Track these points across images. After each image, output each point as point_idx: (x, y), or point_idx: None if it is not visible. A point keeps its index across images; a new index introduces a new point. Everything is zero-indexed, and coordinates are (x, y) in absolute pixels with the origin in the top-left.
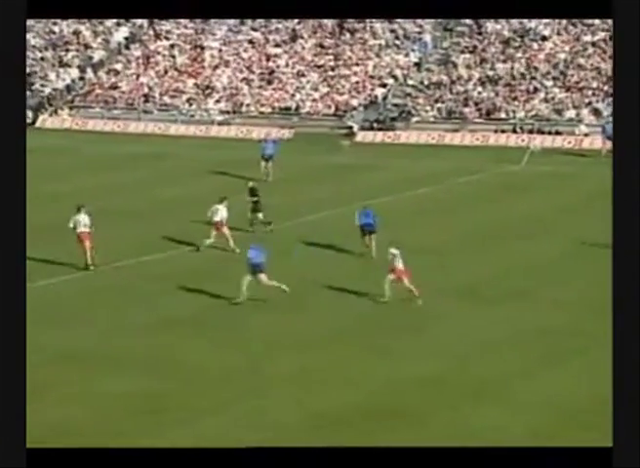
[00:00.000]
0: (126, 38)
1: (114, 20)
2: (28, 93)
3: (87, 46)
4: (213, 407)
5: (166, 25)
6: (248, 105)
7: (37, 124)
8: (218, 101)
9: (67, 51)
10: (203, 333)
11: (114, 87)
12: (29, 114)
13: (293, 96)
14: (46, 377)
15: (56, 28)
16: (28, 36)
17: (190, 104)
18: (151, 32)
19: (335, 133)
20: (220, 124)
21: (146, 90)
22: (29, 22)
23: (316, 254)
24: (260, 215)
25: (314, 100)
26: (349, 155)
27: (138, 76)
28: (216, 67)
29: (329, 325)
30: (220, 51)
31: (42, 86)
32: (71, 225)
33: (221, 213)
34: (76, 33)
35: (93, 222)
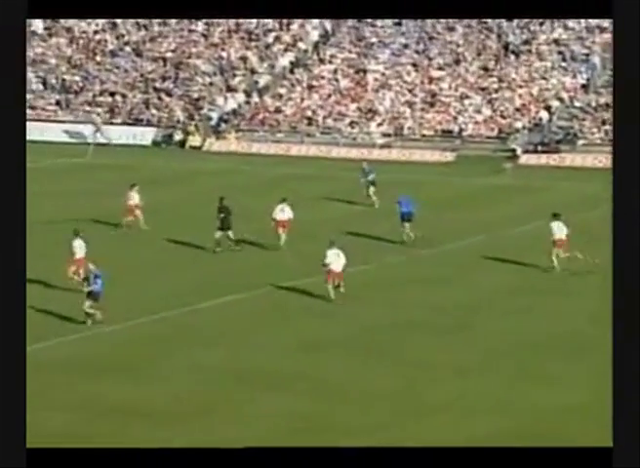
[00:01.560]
0: (291, 63)
1: (281, 46)
2: (197, 117)
3: (253, 71)
4: (362, 429)
5: (330, 50)
6: (410, 128)
7: (205, 147)
8: (380, 124)
9: (234, 76)
10: (358, 355)
11: (278, 110)
12: (197, 138)
13: (455, 118)
14: (216, 397)
15: (224, 54)
16: (198, 62)
17: (352, 127)
18: (315, 57)
19: (497, 155)
20: (381, 147)
21: (310, 113)
22: (198, 48)
23: (478, 276)
24: (230, 234)
25: (477, 123)
26: (512, 178)
27: (301, 100)
28: (378, 90)
29: (488, 347)
30: (383, 74)
31: (210, 110)
32: (75, 250)
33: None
34: (243, 58)
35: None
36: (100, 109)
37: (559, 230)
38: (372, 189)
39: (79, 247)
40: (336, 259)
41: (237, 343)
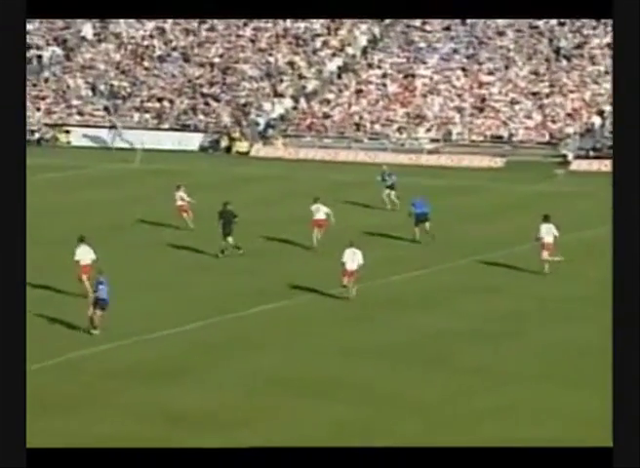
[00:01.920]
0: (339, 67)
1: (329, 51)
2: (244, 123)
3: (301, 76)
4: (411, 435)
5: (379, 55)
6: (459, 134)
7: (252, 153)
8: (428, 130)
9: (282, 81)
10: (406, 362)
11: (326, 116)
12: (244, 144)
13: (505, 124)
14: (263, 402)
15: (271, 59)
16: (245, 67)
17: (400, 133)
18: (364, 61)
19: (548, 161)
20: (429, 152)
21: (357, 118)
22: (246, 54)
23: (529, 283)
24: (230, 239)
25: (527, 128)
26: (563, 184)
27: (349, 105)
28: (427, 95)
29: (542, 356)
30: (432, 79)
31: (257, 116)
32: (76, 258)
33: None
34: (291, 63)
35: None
36: (147, 115)
37: (547, 233)
38: (392, 193)
39: (84, 253)
40: (351, 258)
41: (284, 349)
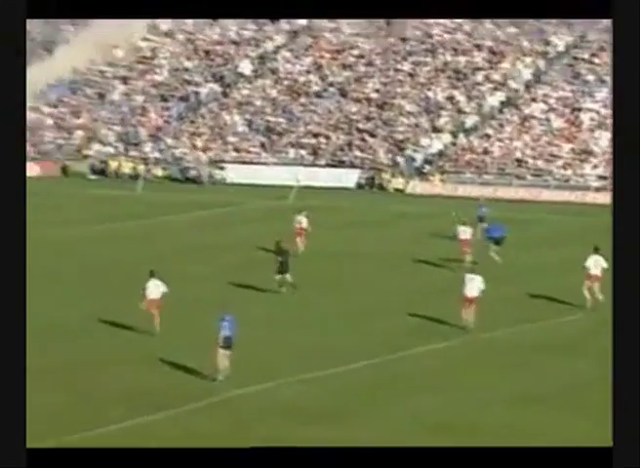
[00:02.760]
0: (501, 102)
1: (490, 85)
2: (400, 159)
3: (460, 111)
4: None
5: (543, 88)
6: None
7: (408, 190)
8: (595, 166)
9: (440, 116)
10: (568, 409)
11: (486, 152)
12: (400, 180)
13: None
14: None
15: (430, 94)
16: (403, 102)
17: (565, 169)
18: (527, 96)
19: None
20: (597, 190)
21: (519, 154)
22: (404, 88)
23: None
24: (288, 276)
25: None
26: None
27: (510, 140)
28: (594, 130)
29: None
30: (599, 113)
31: (414, 152)
32: (147, 292)
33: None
34: (450, 98)
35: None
36: (303, 151)
37: (595, 265)
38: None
39: (154, 287)
40: (470, 285)
41: (447, 392)
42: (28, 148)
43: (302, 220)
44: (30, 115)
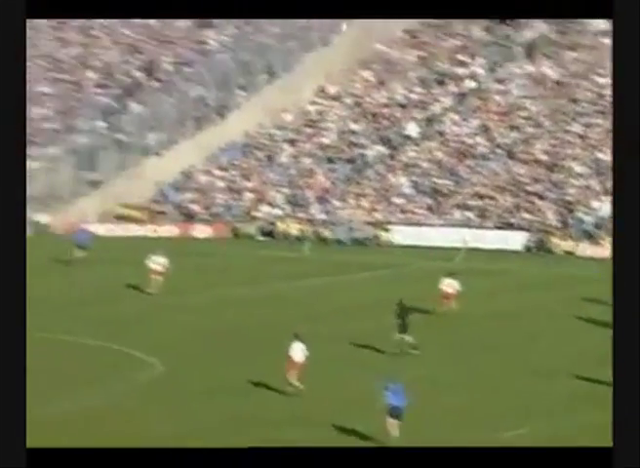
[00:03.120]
0: None
1: None
2: (569, 221)
3: None
4: None
5: None
6: None
7: (577, 252)
8: None
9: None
10: None
11: None
12: (569, 243)
13: None
14: None
15: (601, 155)
16: (573, 164)
17: None
18: None
19: None
20: None
21: None
22: (574, 150)
23: None
24: (406, 336)
25: None
26: None
27: None
28: None
29: None
30: None
31: (584, 214)
32: (290, 354)
33: None
34: None
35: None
36: (469, 213)
37: None
38: None
39: (298, 350)
40: None
41: None
42: (200, 210)
43: (453, 283)
44: (202, 178)
